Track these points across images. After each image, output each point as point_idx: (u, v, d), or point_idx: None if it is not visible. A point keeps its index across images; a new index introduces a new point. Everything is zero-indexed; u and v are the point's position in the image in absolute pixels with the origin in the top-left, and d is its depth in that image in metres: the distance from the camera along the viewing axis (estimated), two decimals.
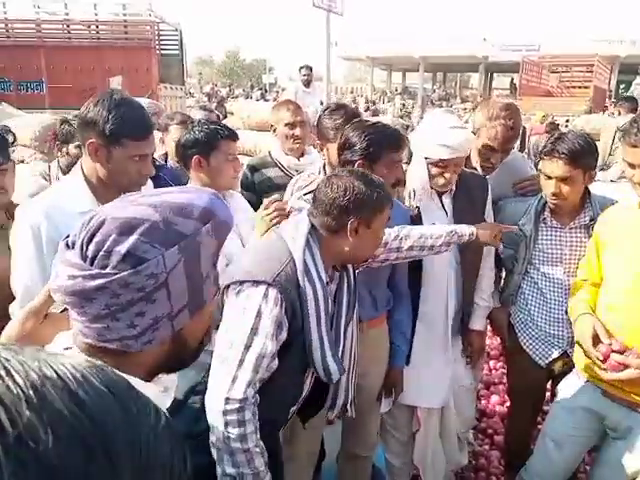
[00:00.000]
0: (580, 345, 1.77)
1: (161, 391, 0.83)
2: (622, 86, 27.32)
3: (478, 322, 2.24)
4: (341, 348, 1.63)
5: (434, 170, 1.98)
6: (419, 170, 2.02)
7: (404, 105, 18.30)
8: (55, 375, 0.37)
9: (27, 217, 1.58)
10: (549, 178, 1.99)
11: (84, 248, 0.73)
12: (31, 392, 0.34)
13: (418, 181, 2.03)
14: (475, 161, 2.36)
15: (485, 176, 2.28)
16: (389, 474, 2.43)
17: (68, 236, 0.76)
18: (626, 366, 1.62)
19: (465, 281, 2.13)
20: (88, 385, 0.38)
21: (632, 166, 1.66)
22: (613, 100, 8.08)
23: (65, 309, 0.91)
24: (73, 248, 0.74)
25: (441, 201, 2.09)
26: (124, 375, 0.44)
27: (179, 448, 0.42)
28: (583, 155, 1.95)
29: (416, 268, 2.06)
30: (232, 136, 2.03)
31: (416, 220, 2.03)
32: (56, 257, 0.76)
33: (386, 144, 1.83)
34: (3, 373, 0.35)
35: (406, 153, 2.07)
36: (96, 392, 0.38)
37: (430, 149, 1.96)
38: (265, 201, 1.90)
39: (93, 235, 0.73)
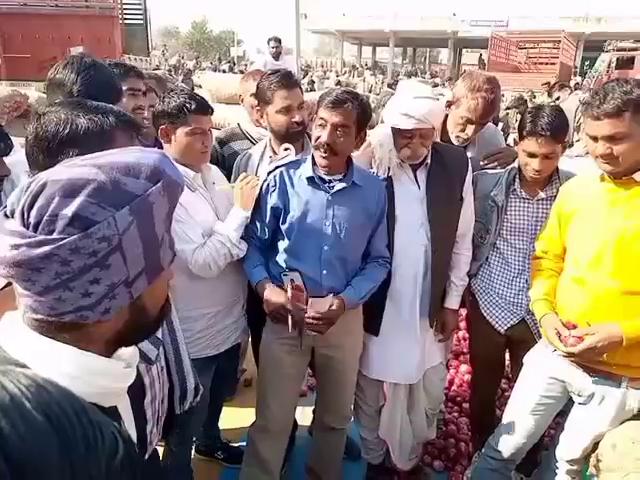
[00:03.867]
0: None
1: (124, 367, 0.80)
2: (587, 63, 27.74)
3: (454, 301, 2.24)
4: None
5: (399, 140, 1.97)
6: (385, 139, 2.00)
7: (377, 83, 18.17)
8: None
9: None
10: (532, 156, 2.01)
11: (25, 215, 0.67)
12: None
13: (384, 150, 2.01)
14: (451, 132, 2.34)
15: (463, 147, 2.27)
16: (363, 448, 2.47)
17: (5, 206, 0.71)
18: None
19: (436, 258, 2.10)
20: (18, 413, 0.31)
21: (594, 139, 1.67)
22: (551, 90, 8.55)
23: (6, 285, 0.85)
24: (12, 217, 0.69)
25: (415, 175, 2.07)
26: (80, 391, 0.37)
27: None
28: (562, 130, 1.98)
29: (387, 245, 2.05)
30: (201, 109, 1.93)
31: (388, 194, 2.02)
32: None
33: (319, 102, 1.86)
34: None
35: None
36: (27, 423, 0.31)
37: (395, 118, 1.95)
38: (241, 175, 1.99)
39: (34, 200, 0.67)
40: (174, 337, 1.50)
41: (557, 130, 1.95)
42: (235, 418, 2.77)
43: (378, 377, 2.24)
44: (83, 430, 0.35)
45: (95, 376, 0.73)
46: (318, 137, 1.82)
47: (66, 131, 1.16)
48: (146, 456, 1.44)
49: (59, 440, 0.33)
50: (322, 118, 1.81)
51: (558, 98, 7.85)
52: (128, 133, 1.22)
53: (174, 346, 1.49)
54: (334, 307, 1.86)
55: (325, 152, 1.82)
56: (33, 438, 0.31)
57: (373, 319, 2.13)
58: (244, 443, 2.28)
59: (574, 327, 1.76)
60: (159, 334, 1.35)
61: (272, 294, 1.90)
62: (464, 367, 3.25)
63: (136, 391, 1.36)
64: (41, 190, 0.67)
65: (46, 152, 1.17)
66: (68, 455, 0.33)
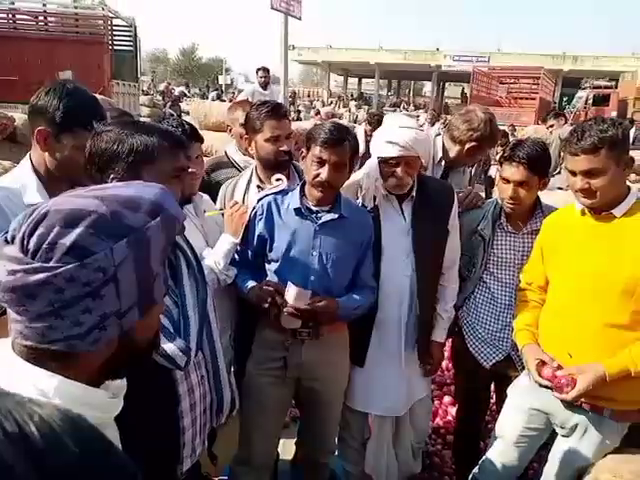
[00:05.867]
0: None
1: (110, 397, 0.79)
2: (565, 98, 28.64)
3: (440, 334, 2.24)
4: (193, 323, 1.38)
5: (385, 169, 1.99)
6: (372, 169, 2.03)
7: (371, 115, 18.39)
8: (17, 430, 0.32)
9: None
10: (507, 182, 2.07)
11: (25, 241, 0.68)
12: None
13: (371, 180, 2.03)
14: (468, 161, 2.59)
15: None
16: None
17: (7, 232, 0.72)
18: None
19: (421, 290, 2.10)
20: (58, 446, 0.33)
21: (573, 173, 1.73)
22: (546, 116, 8.87)
23: (2, 313, 0.85)
24: (13, 243, 0.70)
25: (401, 207, 2.09)
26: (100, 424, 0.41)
27: None
28: (540, 161, 2.04)
29: (373, 275, 2.05)
30: (191, 138, 1.94)
31: (375, 225, 2.03)
32: None
33: (313, 138, 1.86)
34: None
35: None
36: (66, 457, 0.33)
37: (380, 147, 1.99)
38: (231, 202, 2.04)
39: (35, 227, 0.68)
40: (213, 348, 1.50)
41: (533, 160, 2.01)
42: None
43: (363, 409, 2.20)
44: (109, 470, 0.38)
45: (81, 407, 0.71)
46: (317, 175, 1.83)
47: (113, 149, 1.26)
48: (183, 469, 1.41)
49: (91, 477, 0.35)
50: (320, 157, 1.82)
51: (552, 125, 8.08)
52: (171, 151, 1.30)
53: (212, 357, 1.49)
54: (321, 303, 1.84)
55: (324, 189, 1.85)
56: (71, 471, 0.34)
57: (358, 350, 2.12)
58: (225, 477, 2.23)
59: (559, 367, 1.77)
60: (193, 344, 1.34)
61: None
62: (447, 398, 3.23)
63: (166, 400, 1.34)
64: (42, 219, 0.69)
65: (97, 167, 1.28)
66: None
